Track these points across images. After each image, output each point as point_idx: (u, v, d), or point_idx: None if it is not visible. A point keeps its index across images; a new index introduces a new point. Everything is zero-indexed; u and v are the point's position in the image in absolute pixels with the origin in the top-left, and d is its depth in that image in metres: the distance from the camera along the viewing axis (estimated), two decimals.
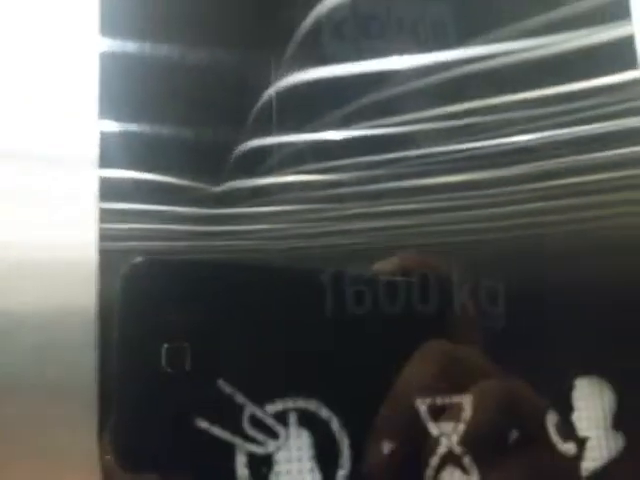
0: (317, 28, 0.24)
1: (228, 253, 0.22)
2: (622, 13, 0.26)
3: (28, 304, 0.21)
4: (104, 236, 0.21)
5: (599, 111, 0.25)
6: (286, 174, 0.23)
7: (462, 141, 0.24)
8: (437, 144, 0.24)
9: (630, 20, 0.26)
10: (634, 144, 0.25)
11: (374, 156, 0.24)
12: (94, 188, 0.21)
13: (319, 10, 0.24)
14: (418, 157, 0.24)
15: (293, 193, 0.23)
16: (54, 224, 0.21)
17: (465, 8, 0.25)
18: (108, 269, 0.21)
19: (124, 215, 0.22)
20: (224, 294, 0.20)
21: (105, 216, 0.21)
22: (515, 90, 0.25)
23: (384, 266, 0.22)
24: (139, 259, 0.20)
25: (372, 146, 0.24)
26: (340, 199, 0.23)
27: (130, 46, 0.22)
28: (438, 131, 0.24)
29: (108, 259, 0.21)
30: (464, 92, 0.24)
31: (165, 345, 0.20)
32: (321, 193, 0.23)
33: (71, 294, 0.21)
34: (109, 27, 0.22)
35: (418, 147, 0.24)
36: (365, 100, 0.24)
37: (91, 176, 0.21)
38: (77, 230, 0.21)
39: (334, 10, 0.24)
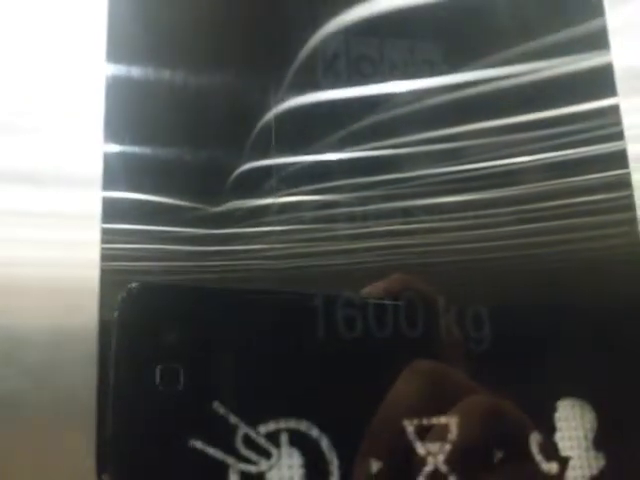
0: (314, 54, 0.25)
1: (227, 273, 0.22)
2: (601, 43, 0.27)
3: (30, 322, 0.21)
4: (106, 256, 0.22)
5: (581, 136, 0.26)
6: (284, 195, 0.24)
7: (450, 164, 0.25)
8: (428, 167, 0.25)
9: (609, 49, 0.27)
10: (613, 168, 0.26)
11: (369, 178, 0.24)
12: (97, 209, 0.22)
13: (316, 38, 0.25)
14: (412, 179, 0.25)
15: (290, 213, 0.24)
16: (57, 244, 0.22)
17: (452, 39, 0.26)
18: (110, 289, 0.21)
19: (126, 235, 0.22)
20: (217, 317, 0.21)
21: (107, 236, 0.22)
22: (501, 115, 0.26)
23: (373, 289, 0.22)
24: (135, 284, 0.21)
25: (368, 168, 0.24)
26: (336, 219, 0.24)
27: (134, 71, 0.23)
28: (429, 154, 0.25)
29: (110, 279, 0.21)
30: (452, 117, 0.25)
31: (159, 366, 0.20)
32: (318, 213, 0.24)
33: (73, 313, 0.21)
34: (115, 53, 0.23)
35: (412, 169, 0.25)
36: (360, 124, 0.25)
37: (94, 197, 0.22)
38: (80, 250, 0.21)
39: (328, 39, 0.25)
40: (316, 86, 0.25)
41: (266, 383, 0.21)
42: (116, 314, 0.21)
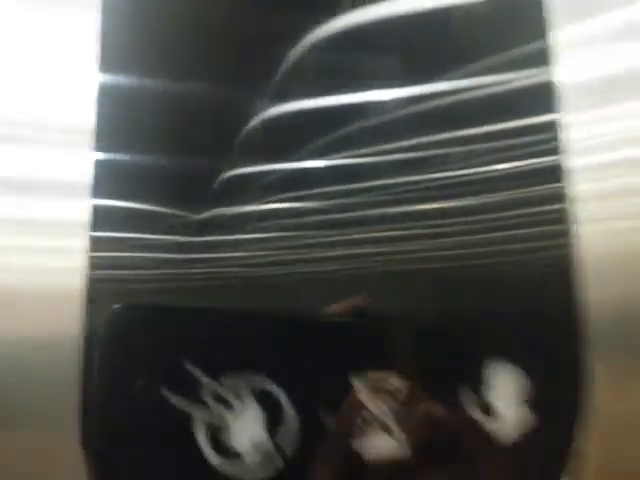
0: (298, 64, 0.25)
1: (210, 280, 0.23)
2: (546, 60, 0.27)
3: (17, 329, 0.21)
4: (94, 264, 0.22)
5: (520, 151, 0.26)
6: (265, 202, 0.24)
7: (403, 175, 0.26)
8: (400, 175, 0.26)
9: (553, 66, 0.28)
10: (554, 181, 0.27)
11: (350, 185, 0.25)
12: (86, 217, 0.22)
13: (299, 49, 0.25)
14: (391, 186, 0.26)
15: (272, 221, 0.24)
16: (46, 251, 0.21)
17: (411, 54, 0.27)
18: (97, 296, 0.22)
19: (112, 244, 0.22)
20: (193, 335, 0.23)
21: (95, 245, 0.22)
22: (444, 129, 0.26)
23: (337, 309, 0.24)
24: (118, 305, 0.22)
25: (348, 175, 0.25)
26: (317, 227, 0.25)
27: (125, 81, 0.23)
28: (403, 162, 0.26)
29: (97, 287, 0.22)
30: (404, 130, 0.26)
31: (139, 382, 0.22)
32: (299, 221, 0.25)
33: (59, 321, 0.22)
34: (106, 63, 0.22)
35: (389, 177, 0.26)
36: (340, 133, 0.25)
37: (83, 205, 0.22)
38: (68, 258, 0.22)
39: (311, 50, 0.25)
40: (298, 95, 0.25)
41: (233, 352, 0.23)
42: (102, 334, 0.22)
